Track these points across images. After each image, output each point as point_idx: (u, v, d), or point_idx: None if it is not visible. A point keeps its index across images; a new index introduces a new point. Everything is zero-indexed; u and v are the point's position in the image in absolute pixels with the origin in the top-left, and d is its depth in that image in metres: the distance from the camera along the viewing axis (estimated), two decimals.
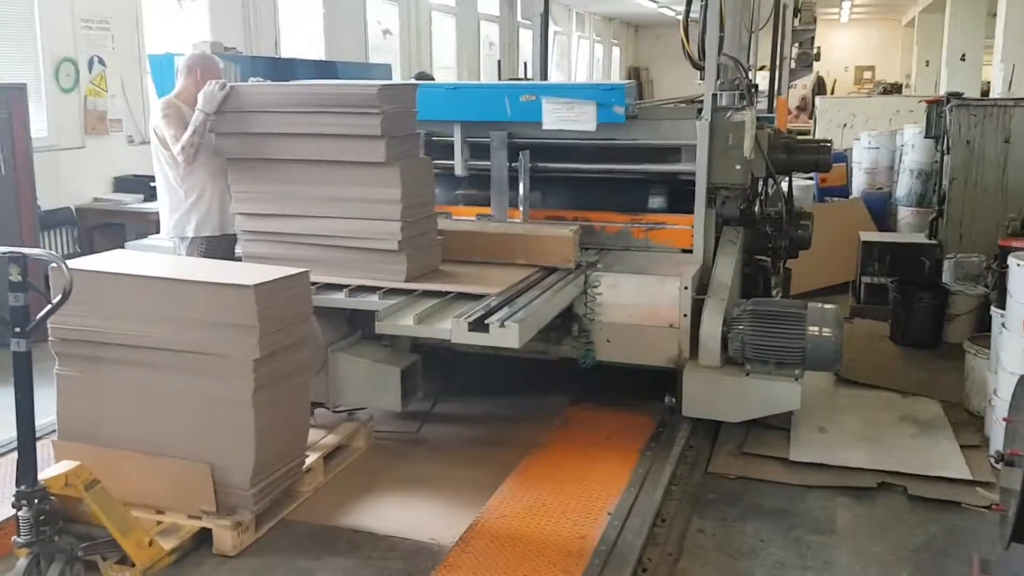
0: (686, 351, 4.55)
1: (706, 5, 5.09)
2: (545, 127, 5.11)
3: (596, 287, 4.65)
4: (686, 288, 4.53)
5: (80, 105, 7.68)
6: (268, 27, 10.45)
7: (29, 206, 6.40)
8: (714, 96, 4.81)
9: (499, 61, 14.90)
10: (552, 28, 18.50)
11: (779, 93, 10.15)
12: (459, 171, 5.44)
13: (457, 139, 5.40)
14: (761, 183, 5.65)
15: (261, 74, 5.96)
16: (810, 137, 10.08)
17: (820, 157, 5.67)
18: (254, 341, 3.31)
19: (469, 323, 3.72)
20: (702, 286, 4.73)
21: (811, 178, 9.38)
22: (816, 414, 4.81)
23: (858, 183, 9.93)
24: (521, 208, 5.21)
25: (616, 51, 27.15)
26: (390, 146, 4.19)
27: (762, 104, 7.96)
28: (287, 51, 10.84)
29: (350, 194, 4.31)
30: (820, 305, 4.47)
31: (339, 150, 4.27)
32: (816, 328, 4.32)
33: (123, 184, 7.82)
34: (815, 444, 4.49)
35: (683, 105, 5.34)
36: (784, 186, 5.82)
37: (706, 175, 4.82)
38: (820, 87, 23.60)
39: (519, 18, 17.91)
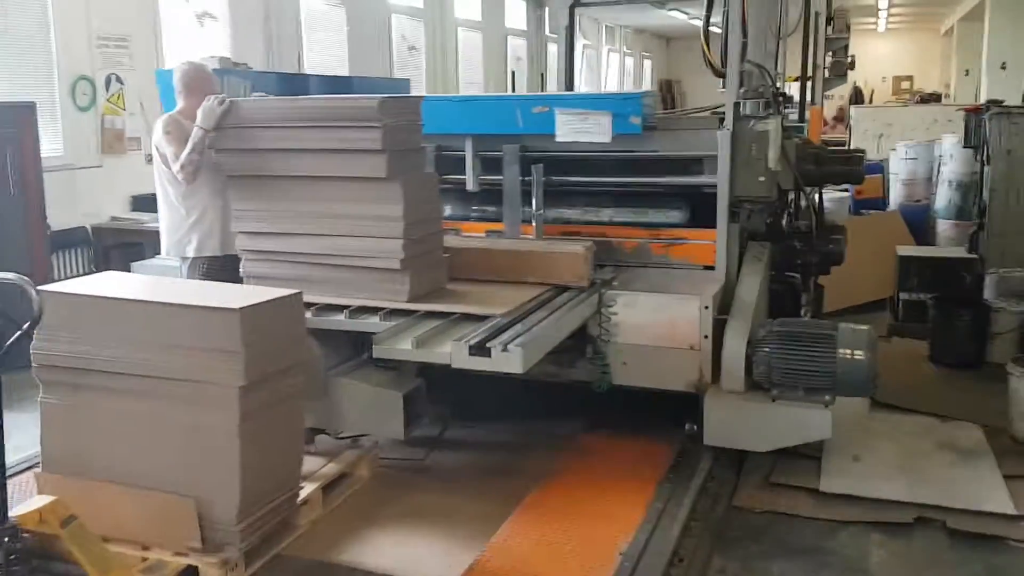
0: (708, 375, 4.29)
1: (727, 9, 4.84)
2: (559, 139, 4.89)
3: (611, 306, 4.41)
4: (707, 307, 4.27)
5: (97, 123, 7.62)
6: (291, 43, 10.38)
7: (39, 226, 6.31)
8: (736, 105, 4.56)
9: (513, 72, 14.71)
10: (581, 42, 18.38)
11: (813, 103, 9.85)
12: (471, 186, 5.24)
13: (468, 153, 5.21)
14: (792, 196, 5.39)
15: (272, 90, 5.83)
16: (842, 147, 9.73)
17: (852, 168, 5.39)
18: (239, 368, 3.12)
19: (470, 347, 3.50)
20: (725, 305, 4.47)
21: (846, 190, 9.05)
22: (849, 441, 4.51)
23: (895, 195, 9.56)
24: (534, 224, 4.99)
25: (648, 64, 26.89)
26: (392, 161, 4.00)
27: (794, 114, 7.69)
28: (310, 68, 10.77)
29: (352, 211, 4.13)
30: (851, 326, 4.18)
31: (340, 165, 4.09)
32: (847, 350, 4.04)
33: (141, 203, 7.72)
34: (848, 474, 4.19)
35: (707, 115, 5.09)
36: (815, 199, 5.52)
37: (728, 187, 4.57)
38: (858, 97, 23.17)
39: (547, 32, 17.76)
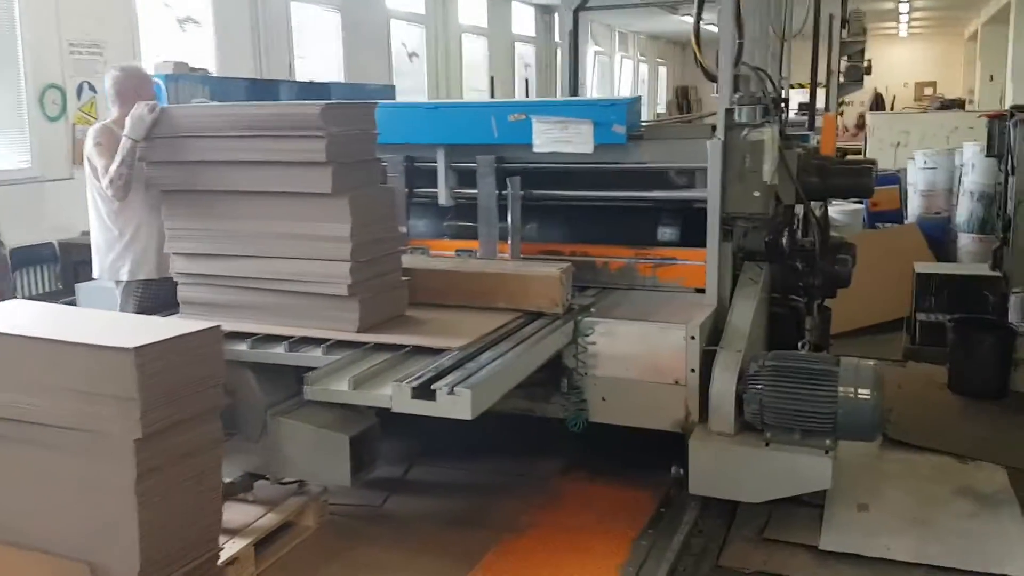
0: (695, 413, 3.83)
1: (721, 8, 4.39)
2: (536, 149, 4.46)
3: (588, 335, 3.96)
4: (693, 338, 3.81)
5: (68, 134, 7.25)
6: (281, 50, 10.02)
7: None
8: (728, 111, 4.10)
9: (526, 80, 14.27)
10: (592, 48, 17.92)
11: (827, 109, 9.34)
12: (443, 200, 4.81)
13: (441, 164, 4.78)
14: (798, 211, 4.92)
15: (237, 97, 5.44)
16: (852, 157, 9.21)
17: (860, 181, 4.92)
18: (135, 416, 2.70)
19: (412, 389, 3.06)
20: (716, 333, 4.01)
21: (860, 202, 8.55)
22: (856, 486, 4.03)
23: (913, 207, 9.04)
24: (510, 241, 4.56)
25: (663, 70, 26.41)
26: (338, 174, 3.58)
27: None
28: (304, 76, 10.40)
29: (295, 230, 3.71)
30: (856, 360, 3.70)
31: (281, 179, 3.67)
32: (850, 389, 3.56)
33: None
34: (852, 527, 3.72)
35: (702, 123, 4.63)
36: (819, 214, 5.04)
37: (719, 203, 4.11)
38: (878, 103, 22.56)
39: (556, 39, 17.32)
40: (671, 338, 3.84)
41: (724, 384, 3.75)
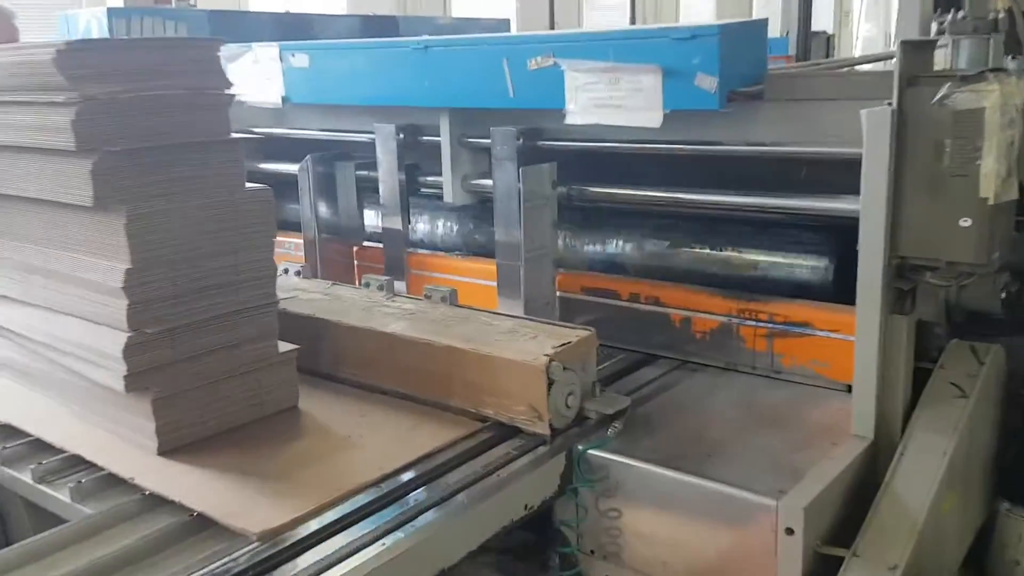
0: None
1: None
2: (569, 121, 2.57)
3: (594, 482, 2.08)
4: (791, 531, 1.82)
5: None
6: None
7: None
8: (915, 45, 1.96)
9: None
10: None
11: None
12: (449, 195, 3.05)
13: (445, 140, 3.01)
14: None
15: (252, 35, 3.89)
16: None
17: None
18: None
19: None
20: (861, 507, 1.97)
21: None
22: None
23: None
24: (522, 272, 2.72)
25: None
26: (108, 172, 1.92)
27: None
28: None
29: (55, 265, 2.13)
30: None
31: (38, 178, 2.08)
32: None
33: None
34: None
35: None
36: None
37: (883, 235, 2.02)
38: None
39: None
40: (754, 523, 1.87)
41: None
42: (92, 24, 3.76)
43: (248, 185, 2.20)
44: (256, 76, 3.37)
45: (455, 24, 5.94)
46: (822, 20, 12.53)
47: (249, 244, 2.16)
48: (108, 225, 1.96)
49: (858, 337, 2.07)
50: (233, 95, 2.18)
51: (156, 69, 2.03)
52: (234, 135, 2.18)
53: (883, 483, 1.98)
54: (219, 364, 2.12)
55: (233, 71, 3.47)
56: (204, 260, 2.08)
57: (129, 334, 1.96)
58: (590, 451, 2.09)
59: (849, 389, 2.25)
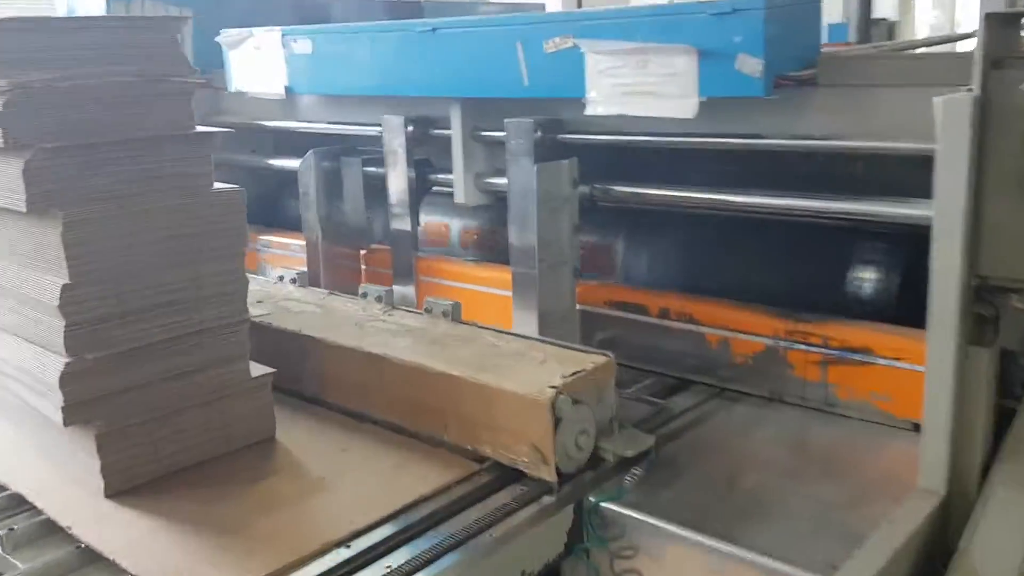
0: None
1: None
2: (589, 111, 2.24)
3: (610, 538, 1.76)
4: None
5: None
6: None
7: None
8: (1003, 19, 1.60)
9: None
10: None
11: None
12: (460, 195, 2.74)
13: (456, 132, 2.70)
14: None
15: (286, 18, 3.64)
16: None
17: None
18: None
19: None
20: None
21: None
22: None
23: None
24: (537, 275, 2.40)
25: None
26: (39, 171, 1.65)
27: None
28: None
29: (8, 280, 1.86)
30: None
31: None
32: None
33: None
34: None
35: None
36: None
37: (961, 249, 1.65)
38: None
39: None
40: None
41: None
42: (91, 6, 3.53)
43: (217, 185, 1.92)
44: (259, 64, 3.10)
45: (484, 10, 5.61)
46: (884, 6, 11.85)
47: (213, 254, 1.88)
48: (44, 233, 1.70)
49: (929, 372, 1.71)
50: (196, 83, 1.89)
51: (103, 53, 1.76)
52: (200, 129, 1.90)
53: (957, 551, 1.62)
54: (175, 393, 1.84)
55: (235, 59, 3.24)
56: (158, 273, 1.80)
57: (67, 360, 1.70)
58: (603, 503, 1.77)
59: (915, 428, 1.90)
